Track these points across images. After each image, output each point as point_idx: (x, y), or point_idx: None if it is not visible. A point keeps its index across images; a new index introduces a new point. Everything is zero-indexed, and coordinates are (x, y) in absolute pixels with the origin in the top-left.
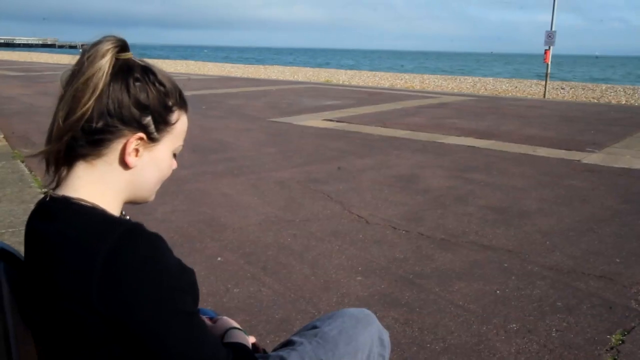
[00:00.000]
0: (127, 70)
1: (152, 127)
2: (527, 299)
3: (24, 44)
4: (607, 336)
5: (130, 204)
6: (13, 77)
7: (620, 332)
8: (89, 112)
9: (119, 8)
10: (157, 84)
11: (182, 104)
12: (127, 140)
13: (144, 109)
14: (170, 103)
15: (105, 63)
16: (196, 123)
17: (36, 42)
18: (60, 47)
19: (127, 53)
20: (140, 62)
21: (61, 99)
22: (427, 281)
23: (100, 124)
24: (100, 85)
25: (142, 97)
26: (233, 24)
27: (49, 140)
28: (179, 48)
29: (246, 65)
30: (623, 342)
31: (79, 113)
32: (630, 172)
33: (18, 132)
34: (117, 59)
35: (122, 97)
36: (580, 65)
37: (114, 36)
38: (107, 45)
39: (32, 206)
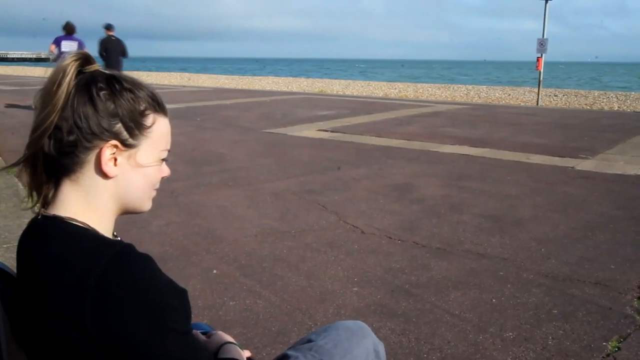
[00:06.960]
0: (90, 82)
1: (124, 134)
2: (523, 307)
3: (17, 58)
4: (604, 343)
5: (126, 214)
6: (7, 91)
7: (617, 338)
8: (50, 128)
9: (105, 20)
10: (123, 91)
11: (157, 107)
12: (101, 150)
13: (112, 116)
14: (142, 107)
15: (66, 78)
16: (191, 135)
17: (30, 56)
18: (55, 61)
19: (92, 66)
20: (106, 72)
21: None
22: (423, 291)
23: (71, 138)
24: (61, 102)
25: (109, 105)
26: (217, 35)
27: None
28: (169, 60)
29: (240, 77)
30: (619, 348)
31: (41, 130)
32: (624, 178)
33: (12, 146)
34: (82, 73)
35: (86, 108)
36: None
37: (77, 51)
38: (68, 61)
39: (26, 222)
